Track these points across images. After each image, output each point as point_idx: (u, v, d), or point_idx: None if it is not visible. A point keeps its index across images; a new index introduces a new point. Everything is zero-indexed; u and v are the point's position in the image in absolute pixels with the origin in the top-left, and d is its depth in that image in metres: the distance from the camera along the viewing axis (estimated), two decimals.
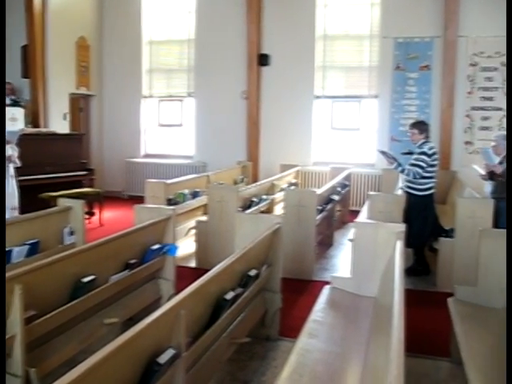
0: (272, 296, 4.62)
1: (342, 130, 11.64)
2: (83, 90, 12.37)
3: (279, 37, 11.49)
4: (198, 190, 8.27)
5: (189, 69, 12.47)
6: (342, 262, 7.19)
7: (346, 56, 11.48)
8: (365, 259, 4.45)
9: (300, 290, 5.98)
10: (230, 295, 3.45)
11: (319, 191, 7.13)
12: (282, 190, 8.60)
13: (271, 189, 8.86)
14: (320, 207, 7.11)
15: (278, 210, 8.51)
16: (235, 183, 10.06)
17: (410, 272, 6.46)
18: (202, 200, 8.17)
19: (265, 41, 11.62)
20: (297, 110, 11.54)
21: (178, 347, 2.63)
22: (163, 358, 2.44)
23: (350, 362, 3.21)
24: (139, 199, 8.00)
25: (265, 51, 11.60)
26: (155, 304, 4.56)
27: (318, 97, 11.60)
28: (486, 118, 10.68)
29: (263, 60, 11.57)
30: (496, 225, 5.81)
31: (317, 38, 11.44)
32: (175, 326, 2.63)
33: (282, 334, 4.67)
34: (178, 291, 2.81)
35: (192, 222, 7.39)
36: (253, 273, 3.98)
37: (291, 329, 4.56)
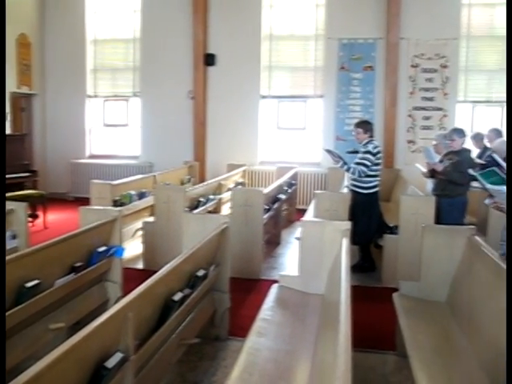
0: (220, 296, 4.62)
1: (288, 129, 11.74)
2: (25, 90, 12.02)
3: (225, 37, 11.48)
4: (144, 190, 8.18)
5: (134, 68, 12.31)
6: (289, 261, 7.25)
7: (292, 56, 11.59)
8: (312, 257, 4.51)
9: (248, 289, 6.00)
10: (178, 296, 3.43)
11: (266, 190, 7.17)
12: (229, 189, 8.60)
13: (218, 189, 8.85)
14: (267, 206, 7.15)
15: (226, 209, 8.51)
16: (182, 183, 10.00)
17: (356, 269, 6.59)
18: (148, 201, 8.09)
19: (211, 40, 11.59)
20: (243, 109, 11.57)
21: (126, 350, 2.59)
22: (111, 362, 2.40)
23: (299, 359, 3.24)
24: (85, 201, 7.85)
25: (211, 51, 11.57)
26: (102, 307, 4.48)
27: (264, 97, 11.66)
28: (427, 118, 10.99)
29: (209, 60, 11.54)
30: (438, 221, 5.98)
31: (263, 38, 11.50)
32: (123, 329, 2.59)
33: (231, 334, 4.68)
34: (125, 293, 2.77)
35: (139, 223, 7.31)
36: (201, 273, 3.97)
37: (240, 328, 4.57)
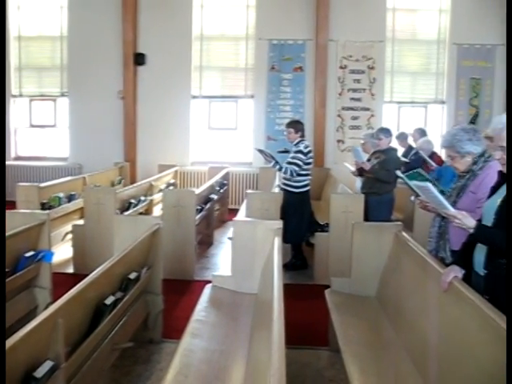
0: (153, 298, 4.57)
1: (219, 129, 11.75)
2: None
3: (156, 36, 11.34)
4: (73, 192, 7.98)
5: (62, 67, 11.94)
6: (222, 261, 7.26)
7: (223, 56, 11.59)
8: (244, 257, 4.54)
9: (182, 290, 5.96)
10: (110, 300, 3.36)
11: (198, 191, 7.14)
12: (160, 190, 8.52)
13: (150, 190, 8.75)
14: (199, 207, 7.13)
15: (157, 210, 8.43)
16: (112, 185, 9.82)
17: (288, 267, 6.67)
18: (78, 203, 7.90)
19: (141, 40, 11.42)
20: (174, 109, 11.48)
21: (57, 358, 2.52)
22: (40, 372, 2.32)
23: (234, 358, 3.26)
24: (10, 204, 7.57)
25: (141, 50, 11.41)
26: (31, 314, 4.34)
27: (195, 97, 11.61)
28: (355, 118, 11.28)
29: (139, 59, 11.37)
30: (366, 218, 6.14)
31: (194, 38, 11.44)
32: (52, 336, 2.51)
33: (165, 336, 4.63)
34: (55, 299, 2.69)
35: (68, 227, 7.12)
36: (133, 276, 3.92)
37: (174, 330, 4.54)
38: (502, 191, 2.89)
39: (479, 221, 2.96)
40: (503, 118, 2.85)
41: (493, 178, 3.09)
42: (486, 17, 11.06)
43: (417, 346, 3.28)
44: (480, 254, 2.95)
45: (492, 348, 2.39)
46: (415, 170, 3.84)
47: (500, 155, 2.83)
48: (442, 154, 8.76)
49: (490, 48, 11.19)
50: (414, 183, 3.30)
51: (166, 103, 11.46)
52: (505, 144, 2.77)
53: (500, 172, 2.97)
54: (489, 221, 2.89)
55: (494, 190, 2.99)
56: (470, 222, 2.85)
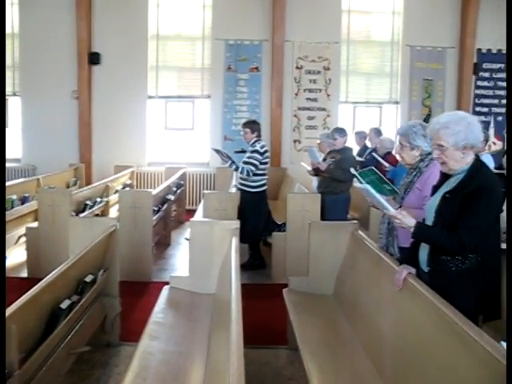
0: (110, 301, 4.50)
1: (175, 129, 11.67)
2: None
3: (111, 35, 11.15)
4: (27, 194, 7.80)
5: (14, 66, 11.64)
6: (180, 262, 7.22)
7: (179, 56, 11.52)
8: (202, 257, 4.53)
9: (139, 292, 5.90)
10: (65, 304, 3.30)
11: (154, 192, 7.08)
12: (116, 191, 8.41)
13: (106, 191, 8.63)
14: (156, 208, 7.08)
15: (114, 212, 8.32)
16: (68, 186, 9.65)
17: (246, 267, 6.68)
18: (31, 205, 7.72)
19: (95, 39, 11.22)
20: (130, 110, 11.33)
21: (10, 366, 2.45)
22: None
23: (193, 359, 3.25)
24: None
25: (96, 49, 11.21)
26: None
27: (151, 97, 11.50)
28: (311, 118, 11.38)
29: (94, 58, 11.18)
30: (323, 217, 6.20)
31: (150, 38, 11.33)
32: (5, 344, 2.46)
33: (123, 339, 4.57)
34: (8, 305, 2.63)
35: (22, 229, 6.96)
36: (89, 278, 3.86)
37: (132, 333, 4.48)
38: (442, 190, 2.99)
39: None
40: (440, 118, 2.97)
41: (436, 176, 3.20)
42: (438, 21, 11.34)
43: (373, 342, 3.33)
44: (423, 251, 3.04)
45: (446, 341, 2.46)
46: (369, 168, 3.90)
47: (437, 154, 2.93)
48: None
49: (440, 50, 11.48)
50: (357, 185, 3.36)
51: (121, 103, 11.31)
52: (441, 143, 2.87)
53: (440, 171, 3.07)
54: (430, 219, 3.00)
55: (436, 188, 3.09)
56: (410, 222, 2.92)
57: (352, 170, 3.59)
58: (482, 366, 2.12)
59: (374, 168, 3.85)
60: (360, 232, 4.37)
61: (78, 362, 4.00)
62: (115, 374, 4.02)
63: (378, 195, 3.08)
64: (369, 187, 3.11)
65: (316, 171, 6.90)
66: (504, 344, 2.29)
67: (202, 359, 3.22)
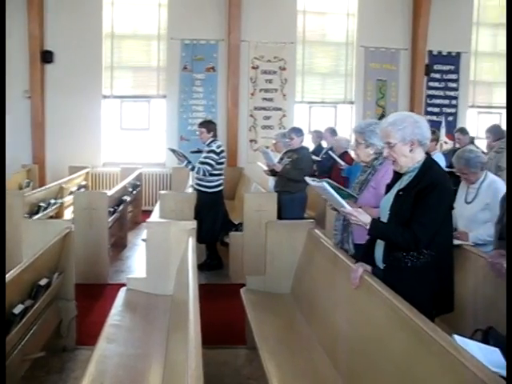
0: (66, 304, 4.42)
1: (131, 130, 11.55)
2: None
3: (64, 33, 10.88)
4: None
5: None
6: (137, 263, 7.15)
7: (135, 56, 11.40)
8: (159, 258, 4.50)
9: (95, 294, 5.81)
10: (18, 309, 3.22)
11: (110, 193, 7.00)
12: (71, 193, 8.27)
13: (60, 192, 8.47)
14: (112, 209, 6.99)
15: (68, 214, 8.18)
16: (20, 188, 9.41)
17: (203, 267, 6.67)
18: None
19: (48, 37, 10.96)
20: (84, 109, 11.12)
21: None
22: None
23: (151, 361, 3.23)
24: None
25: (48, 48, 10.96)
26: None
27: (106, 96, 11.34)
28: (267, 118, 11.44)
29: (47, 57, 10.92)
30: (280, 216, 6.24)
31: (104, 37, 11.16)
32: None
33: (79, 343, 4.49)
34: None
35: None
36: (43, 282, 3.78)
37: (89, 336, 4.41)
38: (395, 187, 3.07)
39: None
40: (388, 117, 3.06)
41: (391, 175, 3.27)
42: (391, 23, 11.57)
43: (331, 339, 3.38)
44: (379, 249, 3.11)
45: (401, 337, 2.51)
46: (324, 180, 3.88)
47: (387, 152, 3.01)
48: (352, 152, 9.06)
49: (394, 52, 11.72)
50: (312, 183, 3.40)
51: (75, 103, 11.09)
52: (389, 140, 2.95)
53: (394, 170, 3.15)
54: (385, 216, 3.07)
55: (389, 187, 3.16)
56: (366, 219, 2.98)
57: (307, 179, 3.63)
58: (435, 359, 2.18)
59: (328, 180, 3.88)
60: (316, 231, 4.42)
61: (33, 368, 3.91)
62: (71, 378, 3.94)
63: (334, 192, 3.12)
64: (326, 185, 3.14)
65: (272, 171, 6.94)
66: (456, 337, 2.36)
67: (160, 361, 3.20)
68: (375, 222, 3.01)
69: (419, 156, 2.97)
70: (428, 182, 2.86)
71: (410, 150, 2.94)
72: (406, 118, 2.99)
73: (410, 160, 2.97)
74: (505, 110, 12.45)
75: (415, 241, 2.82)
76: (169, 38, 11.16)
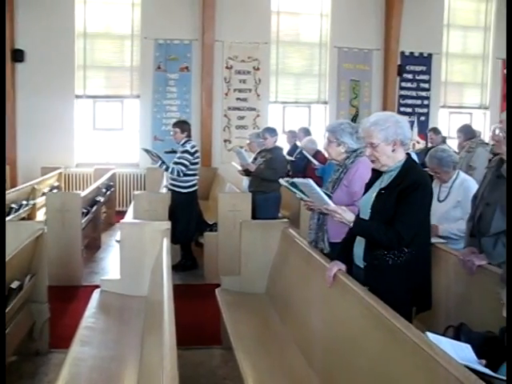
0: (39, 307, 4.36)
1: (104, 130, 11.45)
2: None
3: (35, 32, 10.69)
4: None
5: None
6: (111, 264, 7.09)
7: (108, 55, 11.29)
8: (133, 259, 4.47)
9: (69, 297, 5.75)
10: None
11: (83, 193, 6.94)
12: (43, 194, 8.17)
13: (32, 193, 8.35)
14: (85, 210, 6.92)
15: (41, 215, 8.08)
16: None
17: (178, 268, 6.64)
18: None
19: (19, 35, 10.77)
20: (57, 109, 10.96)
21: None
22: None
23: (126, 364, 3.20)
24: None
25: (19, 46, 10.78)
26: None
27: (78, 96, 11.22)
28: (241, 118, 11.45)
29: (18, 56, 10.74)
30: (254, 216, 6.26)
31: (77, 36, 11.03)
32: None
33: (52, 347, 4.43)
34: None
35: None
36: (15, 285, 3.72)
37: (62, 339, 4.35)
38: (376, 186, 3.10)
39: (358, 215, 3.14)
40: (370, 117, 3.11)
41: (363, 173, 3.32)
42: (364, 23, 11.68)
43: (306, 339, 3.40)
44: (359, 247, 3.13)
45: (375, 335, 2.53)
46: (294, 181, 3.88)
47: (369, 152, 3.04)
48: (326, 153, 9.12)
49: (367, 52, 11.83)
50: (297, 180, 3.41)
51: (48, 103, 10.94)
52: (372, 140, 2.99)
53: (372, 169, 3.19)
54: (365, 215, 3.09)
55: (369, 185, 3.20)
56: (350, 217, 3.01)
57: (281, 181, 3.66)
58: (409, 357, 2.20)
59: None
60: (291, 230, 4.44)
61: (6, 373, 3.86)
62: (45, 383, 3.89)
63: (319, 189, 3.15)
64: (311, 182, 3.16)
65: (246, 171, 6.95)
66: (429, 334, 2.39)
67: (135, 363, 3.18)
68: (359, 219, 3.04)
69: (400, 156, 3.02)
70: (411, 182, 2.90)
71: (393, 150, 2.98)
72: (389, 118, 3.02)
73: (392, 160, 3.01)
74: (475, 111, 12.73)
75: (398, 239, 2.86)
76: (142, 37, 11.09)
